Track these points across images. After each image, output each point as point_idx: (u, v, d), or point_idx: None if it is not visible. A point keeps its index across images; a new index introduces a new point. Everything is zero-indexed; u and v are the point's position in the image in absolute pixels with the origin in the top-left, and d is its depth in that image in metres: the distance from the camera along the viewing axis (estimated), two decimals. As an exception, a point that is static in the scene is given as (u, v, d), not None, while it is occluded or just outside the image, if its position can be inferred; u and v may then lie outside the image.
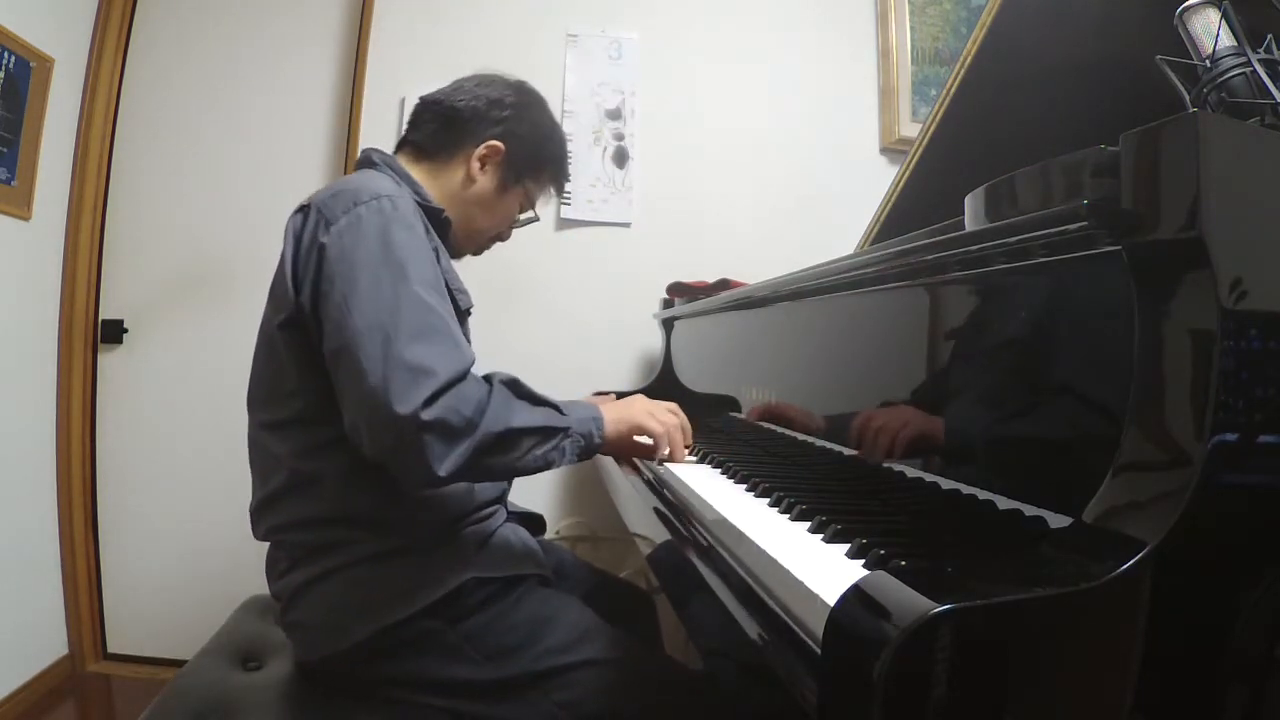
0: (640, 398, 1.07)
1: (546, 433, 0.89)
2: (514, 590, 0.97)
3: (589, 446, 0.94)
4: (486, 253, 1.20)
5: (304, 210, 0.93)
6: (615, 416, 0.99)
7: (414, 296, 0.84)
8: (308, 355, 0.90)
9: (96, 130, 2.02)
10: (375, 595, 0.91)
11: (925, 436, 0.78)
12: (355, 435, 0.84)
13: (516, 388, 0.90)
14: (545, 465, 0.89)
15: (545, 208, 1.24)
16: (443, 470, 0.81)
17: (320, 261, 0.87)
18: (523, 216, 1.18)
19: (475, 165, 1.08)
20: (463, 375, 0.84)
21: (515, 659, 0.91)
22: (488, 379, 0.88)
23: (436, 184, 1.08)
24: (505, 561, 0.99)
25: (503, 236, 1.18)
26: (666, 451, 1.07)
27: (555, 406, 0.92)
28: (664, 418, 1.06)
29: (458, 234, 1.11)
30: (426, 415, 0.79)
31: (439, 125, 1.09)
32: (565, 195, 2.12)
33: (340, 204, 0.89)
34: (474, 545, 0.98)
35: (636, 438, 1.05)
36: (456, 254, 1.15)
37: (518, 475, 0.90)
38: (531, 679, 0.91)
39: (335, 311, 0.85)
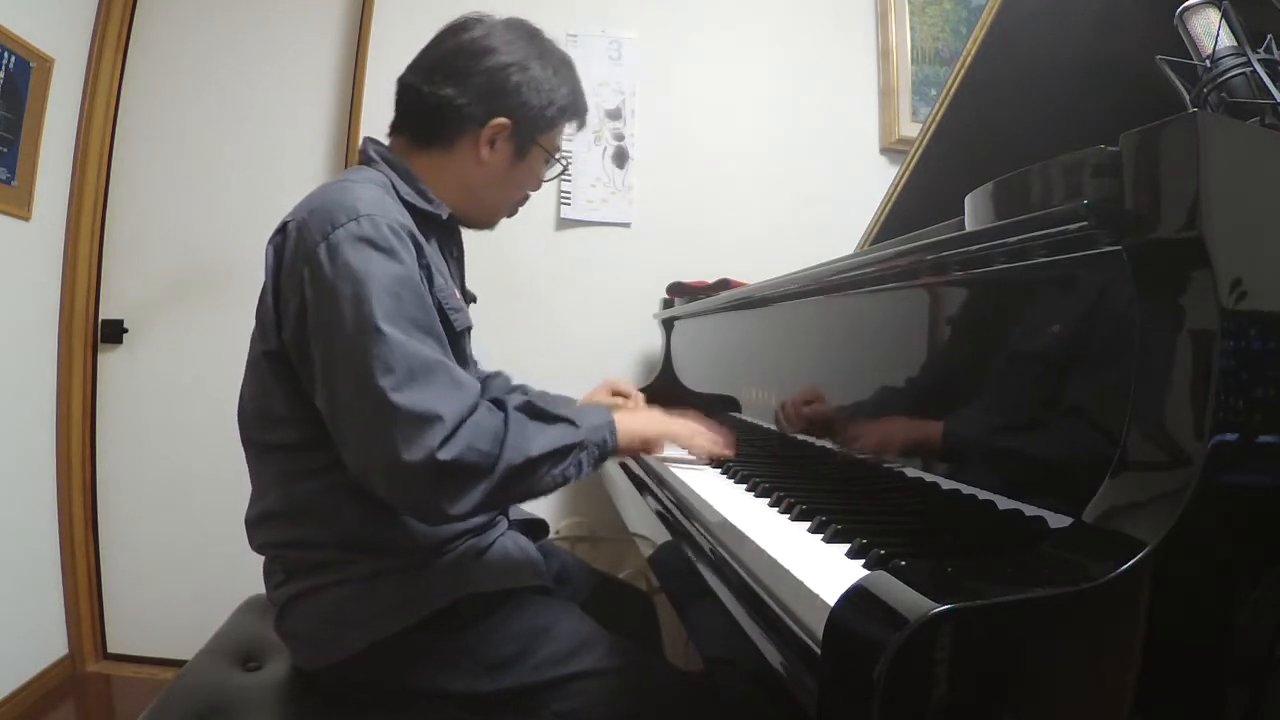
0: (656, 411, 1.06)
1: (563, 451, 0.86)
2: (511, 600, 0.96)
3: (603, 454, 0.92)
4: (487, 252, 1.18)
5: (282, 230, 0.89)
6: (628, 427, 0.95)
7: (401, 337, 0.80)
8: (295, 385, 0.88)
9: (96, 130, 2.02)
10: (370, 609, 0.90)
11: (925, 436, 0.78)
12: (366, 483, 0.82)
13: (530, 410, 0.87)
14: (563, 482, 0.87)
15: (585, 149, 1.12)
16: (464, 510, 0.80)
17: (301, 300, 0.84)
18: (551, 171, 1.09)
19: (485, 150, 1.00)
20: (471, 410, 0.81)
21: (513, 670, 0.91)
22: (501, 406, 0.86)
23: (442, 174, 1.01)
24: (503, 574, 0.98)
25: (535, 190, 1.11)
26: (707, 449, 1.04)
27: (568, 419, 0.89)
28: (678, 428, 1.04)
29: (481, 215, 1.07)
30: (443, 456, 0.77)
31: (430, 114, 0.99)
32: (565, 195, 2.12)
33: (316, 226, 0.84)
34: (471, 559, 0.97)
35: (653, 449, 1.03)
36: (488, 227, 1.11)
37: (536, 497, 0.88)
38: (530, 690, 0.90)
39: (322, 361, 0.83)
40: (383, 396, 0.77)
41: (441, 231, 1.04)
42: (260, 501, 0.95)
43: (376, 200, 0.88)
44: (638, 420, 1.00)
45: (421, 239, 0.91)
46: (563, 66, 1.05)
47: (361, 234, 0.83)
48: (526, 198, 1.12)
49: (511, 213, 1.12)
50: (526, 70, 0.99)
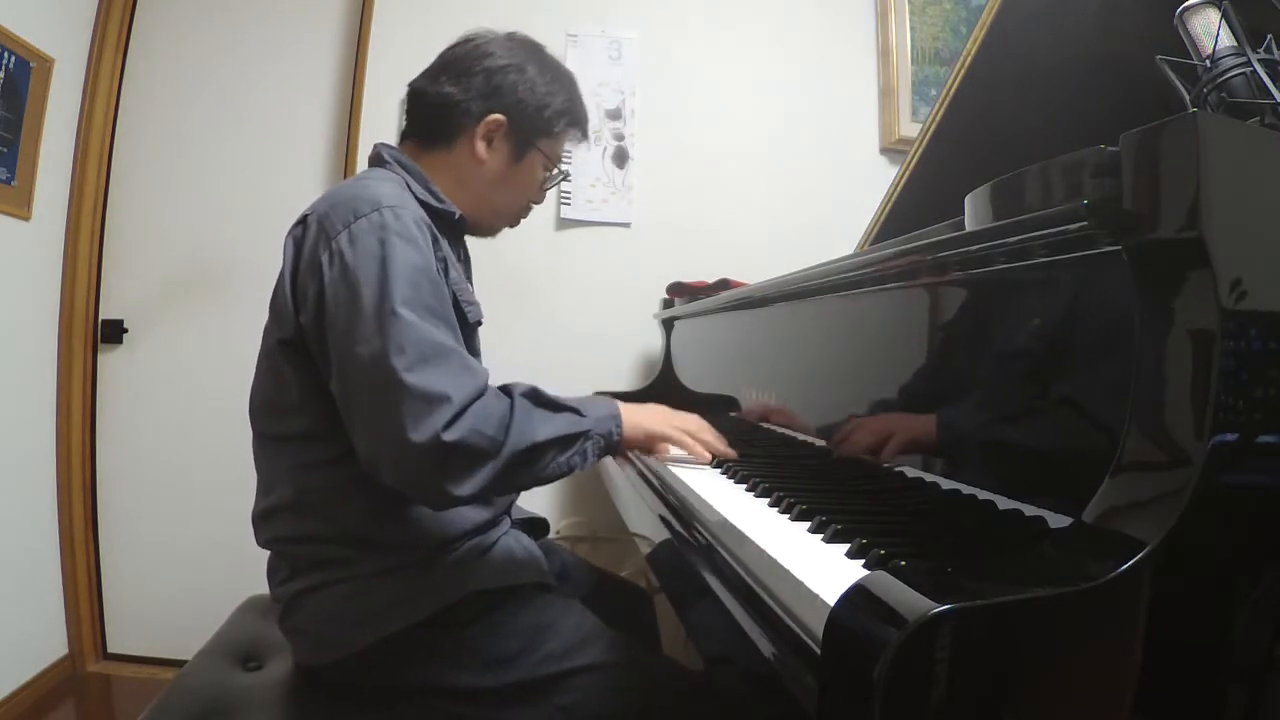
0: (661, 406, 1.06)
1: (569, 439, 0.88)
2: (514, 597, 0.96)
3: (609, 445, 0.93)
4: (487, 253, 1.18)
5: (303, 222, 0.91)
6: (634, 420, 0.97)
7: (416, 321, 0.82)
8: (310, 373, 0.89)
9: (96, 130, 2.02)
10: (375, 606, 0.90)
11: (925, 436, 0.78)
12: (372, 467, 0.83)
13: (537, 397, 0.89)
14: (569, 471, 0.88)
15: (585, 148, 1.13)
16: (468, 492, 0.81)
17: (320, 284, 0.85)
18: (550, 176, 1.11)
19: (480, 146, 1.02)
20: (479, 394, 0.83)
21: (516, 666, 0.91)
22: (508, 392, 0.87)
23: (446, 174, 1.03)
24: (506, 572, 0.98)
25: (536, 200, 1.12)
26: (706, 455, 1.04)
27: (575, 409, 0.90)
28: (683, 423, 1.04)
29: (483, 218, 1.08)
30: (448, 437, 0.78)
31: (432, 113, 1.03)
32: (565, 195, 2.12)
33: (339, 217, 0.86)
34: (474, 557, 0.97)
35: (657, 445, 1.03)
36: (489, 233, 1.12)
37: (541, 484, 0.89)
38: (533, 685, 0.91)
39: (338, 342, 0.84)
40: (394, 376, 0.79)
41: (451, 232, 1.05)
42: (267, 496, 0.95)
43: (397, 195, 0.91)
44: (644, 415, 1.00)
45: (437, 233, 0.94)
46: (561, 76, 1.08)
47: (384, 224, 0.85)
48: (529, 209, 1.13)
49: (514, 222, 1.14)
50: (523, 72, 1.03)
